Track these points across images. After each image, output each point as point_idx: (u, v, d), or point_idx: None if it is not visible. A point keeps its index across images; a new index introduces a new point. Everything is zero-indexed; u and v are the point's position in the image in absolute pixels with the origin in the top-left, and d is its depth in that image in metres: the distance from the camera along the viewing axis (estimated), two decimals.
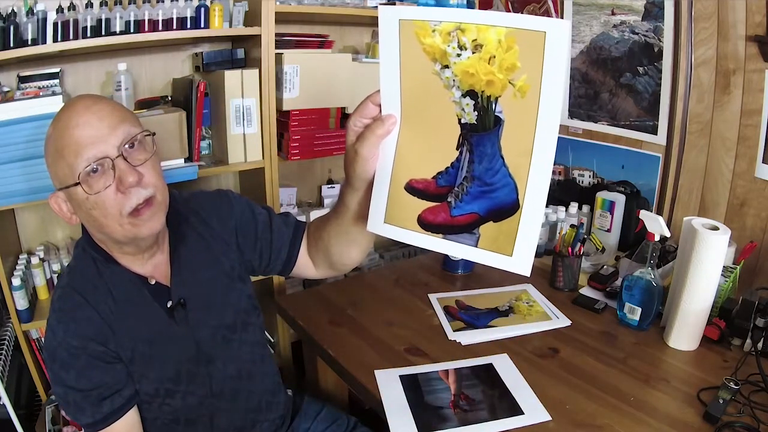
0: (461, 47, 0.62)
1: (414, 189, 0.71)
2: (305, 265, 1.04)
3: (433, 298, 1.35)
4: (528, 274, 0.65)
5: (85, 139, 0.76)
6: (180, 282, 0.92)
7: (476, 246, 0.69)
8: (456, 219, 0.69)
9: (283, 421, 1.10)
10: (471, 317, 1.26)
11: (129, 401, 0.87)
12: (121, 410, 0.86)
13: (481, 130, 0.65)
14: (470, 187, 0.68)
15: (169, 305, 0.90)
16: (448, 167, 0.69)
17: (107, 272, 0.87)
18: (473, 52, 0.62)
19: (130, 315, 0.86)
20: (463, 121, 0.66)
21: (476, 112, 0.65)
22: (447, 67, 0.64)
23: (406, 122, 0.70)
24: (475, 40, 0.61)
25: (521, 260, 0.65)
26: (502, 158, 0.65)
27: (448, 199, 0.70)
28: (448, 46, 0.63)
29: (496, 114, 0.63)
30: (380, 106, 0.70)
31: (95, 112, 0.78)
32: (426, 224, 0.71)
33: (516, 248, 0.65)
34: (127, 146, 0.79)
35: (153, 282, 0.90)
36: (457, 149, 0.67)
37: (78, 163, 0.76)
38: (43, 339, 0.90)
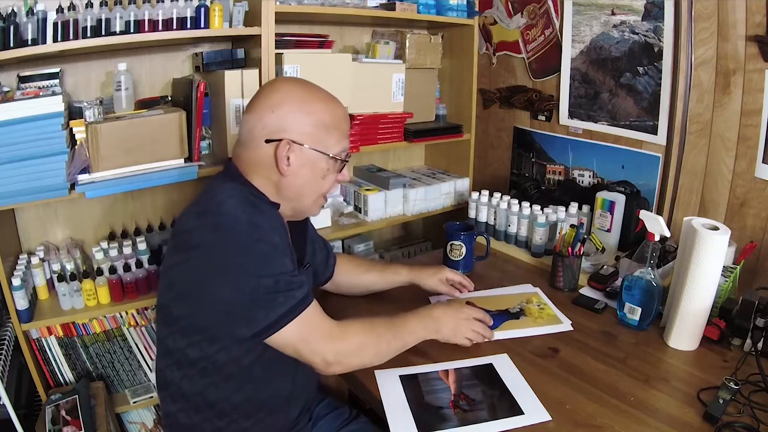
0: None
1: None
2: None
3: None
4: None
5: (347, 132, 1.01)
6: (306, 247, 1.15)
7: None
8: None
9: (309, 405, 1.14)
10: None
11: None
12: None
13: None
14: None
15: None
16: None
17: (270, 211, 0.95)
18: None
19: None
20: None
21: None
22: None
23: None
24: None
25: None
26: None
27: None
28: None
29: None
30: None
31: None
32: None
33: None
34: None
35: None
36: None
37: (344, 146, 1.00)
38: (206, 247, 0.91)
